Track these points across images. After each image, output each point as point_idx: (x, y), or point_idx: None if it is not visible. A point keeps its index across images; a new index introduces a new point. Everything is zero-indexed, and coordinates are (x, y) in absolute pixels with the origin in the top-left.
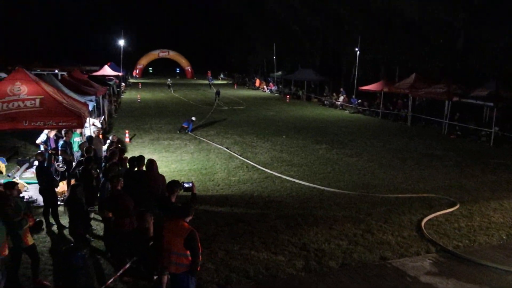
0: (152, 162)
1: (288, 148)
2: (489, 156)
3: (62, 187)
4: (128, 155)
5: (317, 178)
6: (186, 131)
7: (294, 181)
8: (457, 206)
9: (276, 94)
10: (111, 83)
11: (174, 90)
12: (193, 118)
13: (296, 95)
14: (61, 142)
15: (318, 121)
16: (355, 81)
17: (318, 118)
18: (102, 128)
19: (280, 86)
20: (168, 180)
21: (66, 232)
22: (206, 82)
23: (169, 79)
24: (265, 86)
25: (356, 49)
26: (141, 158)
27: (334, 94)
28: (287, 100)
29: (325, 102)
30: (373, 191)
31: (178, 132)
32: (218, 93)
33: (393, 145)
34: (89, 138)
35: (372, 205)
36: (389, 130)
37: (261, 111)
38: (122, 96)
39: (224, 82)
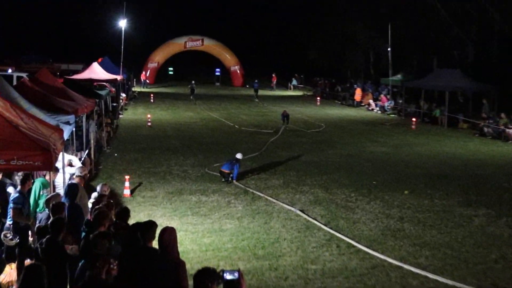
0: (164, 233)
1: (413, 214)
2: None
3: (10, 273)
4: (130, 220)
5: (471, 271)
6: (229, 178)
7: (426, 276)
8: None
9: (393, 115)
10: (102, 93)
11: (211, 108)
12: (238, 156)
13: (430, 116)
14: (13, 195)
15: (471, 164)
16: None
17: (472, 159)
18: (85, 170)
19: (400, 101)
20: (197, 266)
21: None
22: (268, 92)
23: (192, 82)
24: (371, 101)
25: None
26: (149, 226)
27: (503, 116)
28: (413, 126)
29: (485, 129)
30: None
31: (223, 180)
32: (286, 116)
33: None
34: (71, 187)
35: None
36: None
37: (364, 145)
38: (121, 115)
39: (299, 93)
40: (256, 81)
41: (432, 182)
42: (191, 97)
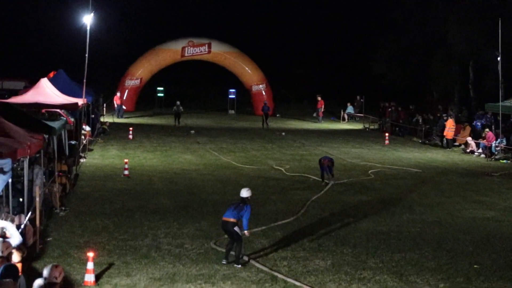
0: None
1: None
2: None
3: None
4: None
5: None
6: (235, 253)
7: None
8: None
9: (504, 161)
10: (54, 125)
11: (221, 148)
12: (244, 194)
13: None
14: None
15: None
16: None
17: None
18: (23, 245)
19: None
20: None
21: None
22: (311, 124)
23: (178, 102)
24: (470, 139)
25: None
26: None
27: None
28: None
29: None
30: None
31: (230, 260)
32: (327, 162)
33: None
34: (8, 270)
35: None
36: None
37: (459, 208)
38: (83, 159)
39: (357, 126)
40: (265, 101)
41: None
42: (176, 124)
